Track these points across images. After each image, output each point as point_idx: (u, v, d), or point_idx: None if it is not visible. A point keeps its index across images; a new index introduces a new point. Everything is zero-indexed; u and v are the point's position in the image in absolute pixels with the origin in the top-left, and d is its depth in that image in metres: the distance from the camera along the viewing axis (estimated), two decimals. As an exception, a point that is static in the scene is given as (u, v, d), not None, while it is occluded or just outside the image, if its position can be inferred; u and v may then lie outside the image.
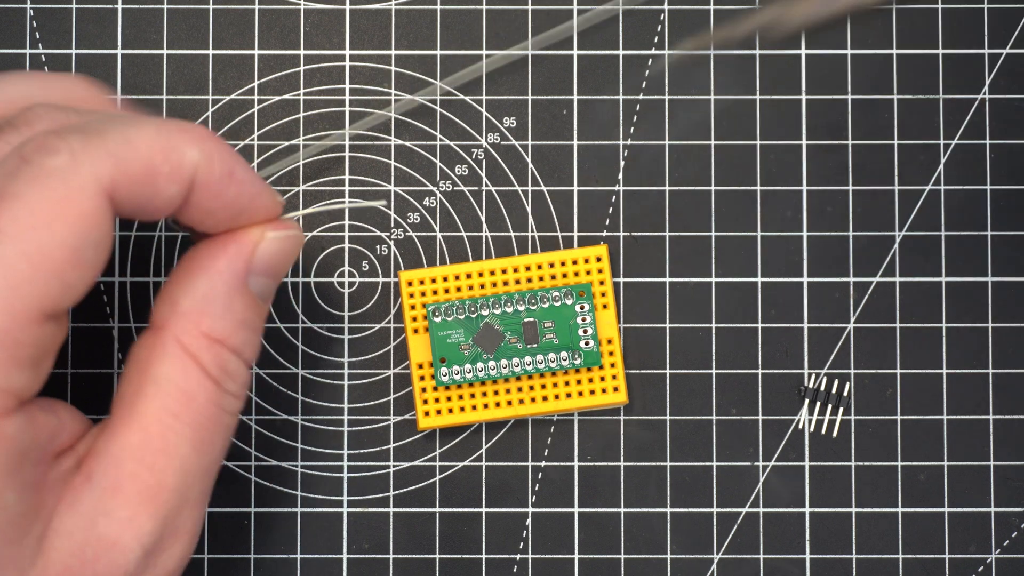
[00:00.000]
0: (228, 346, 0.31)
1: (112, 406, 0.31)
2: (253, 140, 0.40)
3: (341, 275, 0.40)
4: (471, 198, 0.40)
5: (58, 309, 0.29)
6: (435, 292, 0.39)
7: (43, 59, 0.40)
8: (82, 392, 0.39)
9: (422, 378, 0.39)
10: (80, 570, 0.29)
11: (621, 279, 0.40)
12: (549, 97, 0.40)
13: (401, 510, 0.39)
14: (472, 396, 0.39)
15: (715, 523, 0.39)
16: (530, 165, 0.40)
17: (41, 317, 0.28)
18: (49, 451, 0.30)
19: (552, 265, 0.39)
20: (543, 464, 0.39)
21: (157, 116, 0.32)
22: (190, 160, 0.30)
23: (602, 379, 0.39)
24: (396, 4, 0.40)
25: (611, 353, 0.39)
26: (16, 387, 0.28)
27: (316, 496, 0.39)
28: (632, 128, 0.40)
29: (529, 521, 0.39)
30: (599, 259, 0.39)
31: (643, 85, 0.40)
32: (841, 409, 0.39)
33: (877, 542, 0.39)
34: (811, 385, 0.39)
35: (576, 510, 0.39)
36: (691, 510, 0.39)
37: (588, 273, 0.39)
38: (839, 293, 0.40)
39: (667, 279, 0.40)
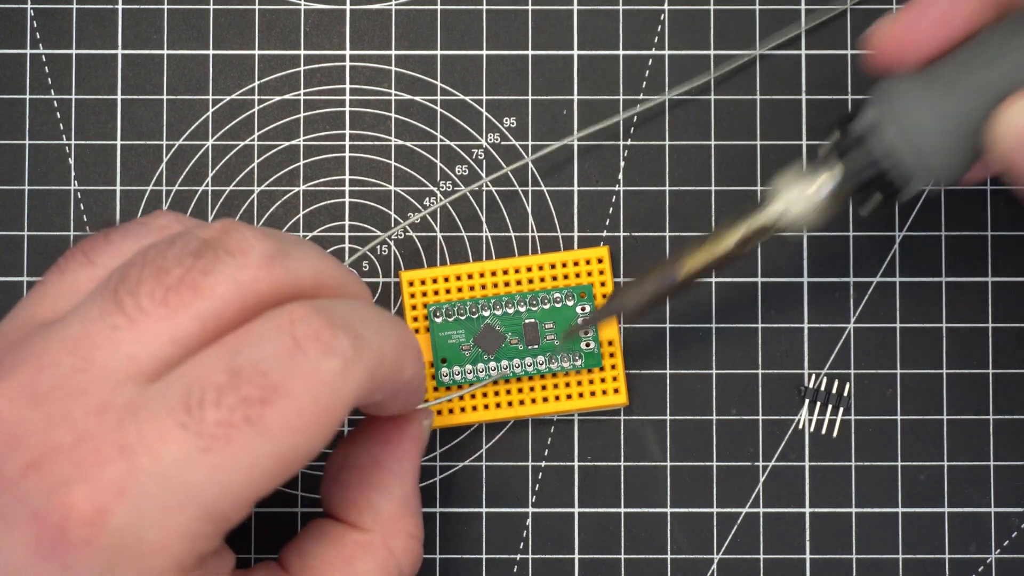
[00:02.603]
0: (421, 538, 0.34)
1: (292, 564, 0.32)
2: (253, 140, 0.40)
3: (341, 275, 0.40)
4: (471, 198, 0.40)
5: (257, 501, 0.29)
6: (436, 292, 0.39)
7: (43, 59, 0.40)
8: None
9: (422, 378, 0.39)
10: None
11: (621, 279, 0.40)
12: (549, 97, 0.40)
13: (401, 510, 0.39)
14: (472, 396, 0.39)
15: (715, 523, 0.39)
16: (530, 165, 0.40)
17: (250, 506, 0.28)
18: None
19: (553, 266, 0.39)
20: (543, 464, 0.39)
21: (394, 318, 0.31)
22: (405, 378, 0.31)
23: (602, 380, 0.39)
24: (396, 4, 0.40)
25: (612, 355, 0.39)
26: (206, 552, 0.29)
27: (317, 496, 0.39)
28: (632, 128, 0.40)
29: (529, 521, 0.39)
30: (600, 260, 0.39)
31: (643, 85, 0.40)
32: (841, 409, 0.39)
33: (877, 542, 0.39)
34: (811, 385, 0.39)
35: (576, 510, 0.39)
36: (691, 510, 0.39)
37: (589, 275, 0.39)
38: (839, 293, 0.40)
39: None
